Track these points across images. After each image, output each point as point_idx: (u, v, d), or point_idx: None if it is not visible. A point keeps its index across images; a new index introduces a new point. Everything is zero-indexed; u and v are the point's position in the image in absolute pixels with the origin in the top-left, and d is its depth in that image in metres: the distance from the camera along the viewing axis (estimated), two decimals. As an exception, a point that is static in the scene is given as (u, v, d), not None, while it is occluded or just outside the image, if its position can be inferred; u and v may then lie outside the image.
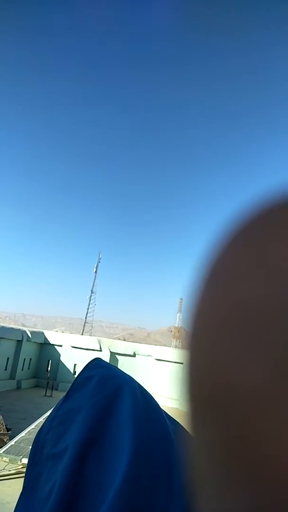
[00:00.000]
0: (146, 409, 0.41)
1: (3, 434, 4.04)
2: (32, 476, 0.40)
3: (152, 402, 0.43)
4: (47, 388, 7.63)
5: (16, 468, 3.27)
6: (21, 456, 3.37)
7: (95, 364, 0.48)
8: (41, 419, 4.36)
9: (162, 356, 8.68)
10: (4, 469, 3.25)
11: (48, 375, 8.12)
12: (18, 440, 3.74)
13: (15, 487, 2.97)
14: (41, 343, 9.25)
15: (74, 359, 8.91)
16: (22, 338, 8.30)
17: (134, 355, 8.99)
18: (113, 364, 0.54)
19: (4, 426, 4.16)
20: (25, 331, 8.55)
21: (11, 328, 8.47)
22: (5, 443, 3.75)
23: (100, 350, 8.82)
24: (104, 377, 0.45)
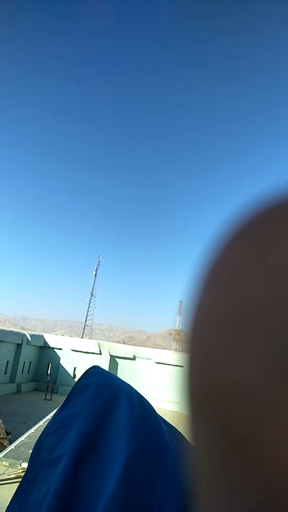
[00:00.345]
0: (142, 416, 0.41)
1: (3, 438, 4.02)
2: (26, 480, 0.40)
3: (149, 409, 0.44)
4: (47, 392, 7.61)
5: (16, 472, 3.25)
6: (21, 460, 3.35)
7: (93, 371, 0.49)
8: (41, 423, 4.34)
9: (162, 359, 8.66)
10: (4, 473, 3.23)
11: (48, 378, 8.10)
12: (18, 444, 3.72)
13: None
14: (41, 347, 9.23)
15: (74, 363, 8.88)
16: (22, 341, 8.28)
17: (134, 358, 8.97)
18: (113, 367, 0.54)
19: (4, 430, 4.14)
20: (24, 334, 8.54)
21: (11, 332, 8.45)
22: (5, 447, 3.74)
23: (100, 354, 8.80)
24: (102, 384, 0.46)
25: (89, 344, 9.21)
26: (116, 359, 8.92)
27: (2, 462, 3.40)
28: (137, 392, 0.46)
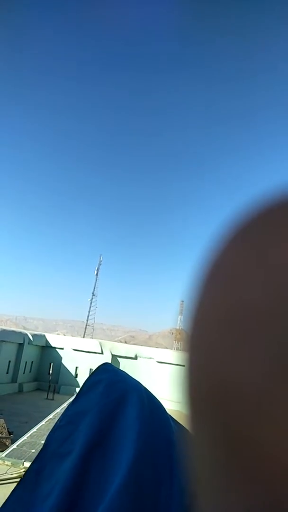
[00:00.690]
0: (151, 413, 0.42)
1: (5, 437, 4.03)
2: (34, 470, 0.41)
3: (158, 406, 0.45)
4: (48, 391, 7.62)
5: (18, 471, 3.26)
6: (23, 460, 3.36)
7: (104, 368, 0.51)
8: (43, 423, 4.35)
9: (163, 358, 8.68)
10: (6, 472, 3.24)
11: (50, 378, 8.12)
12: (20, 443, 3.73)
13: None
14: (43, 346, 9.25)
15: (75, 362, 8.90)
16: (24, 341, 8.31)
17: (135, 358, 8.98)
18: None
19: (6, 430, 4.15)
20: (26, 334, 8.56)
21: (13, 331, 8.47)
22: (7, 447, 3.74)
23: (102, 353, 8.82)
24: (112, 381, 0.47)
25: (91, 344, 9.23)
26: (118, 358, 8.93)
27: (4, 461, 3.41)
28: (147, 389, 0.47)
